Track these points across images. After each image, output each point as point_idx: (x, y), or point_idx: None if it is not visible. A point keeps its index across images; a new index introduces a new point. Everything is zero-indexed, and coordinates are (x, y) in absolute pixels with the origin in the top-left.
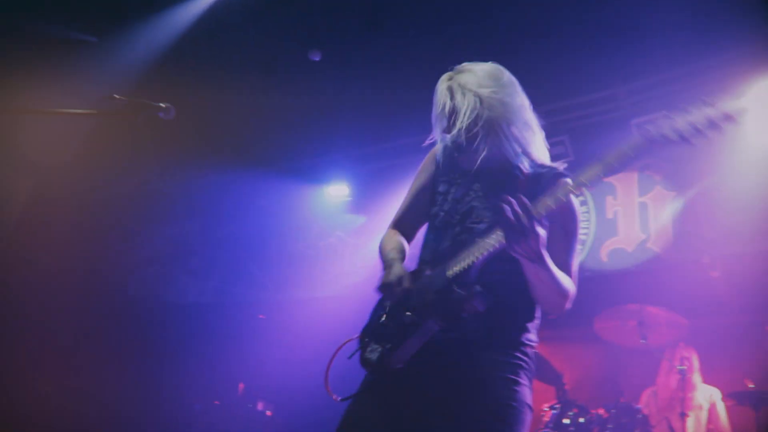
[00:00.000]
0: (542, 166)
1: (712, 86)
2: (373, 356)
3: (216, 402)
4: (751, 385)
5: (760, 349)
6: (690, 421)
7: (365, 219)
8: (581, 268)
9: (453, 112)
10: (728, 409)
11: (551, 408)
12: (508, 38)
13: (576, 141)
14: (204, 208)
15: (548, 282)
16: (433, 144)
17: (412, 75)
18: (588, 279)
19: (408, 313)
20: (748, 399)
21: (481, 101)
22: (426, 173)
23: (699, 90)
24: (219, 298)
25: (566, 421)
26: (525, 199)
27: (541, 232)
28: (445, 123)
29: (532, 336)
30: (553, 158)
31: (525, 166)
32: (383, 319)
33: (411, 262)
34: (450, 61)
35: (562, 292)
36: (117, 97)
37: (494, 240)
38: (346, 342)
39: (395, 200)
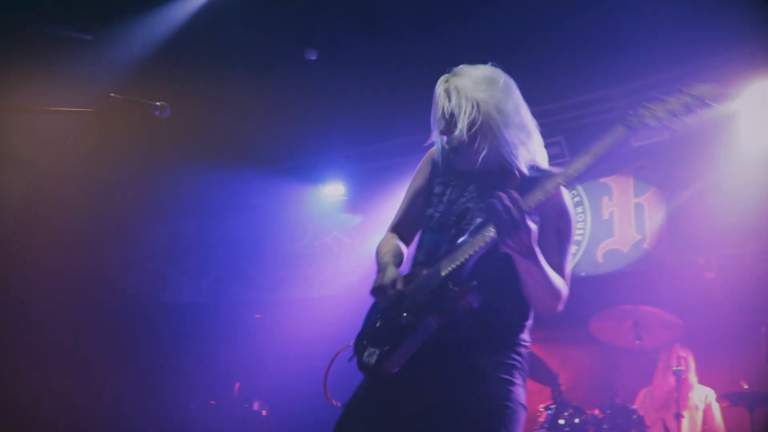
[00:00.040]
0: (539, 169)
1: None
2: (371, 360)
3: (212, 402)
4: (746, 386)
5: (755, 350)
6: (685, 422)
7: (361, 218)
8: (576, 268)
9: (450, 116)
10: (723, 410)
11: (547, 408)
12: (504, 39)
13: (572, 141)
14: (199, 208)
15: (540, 280)
16: (431, 145)
17: (408, 74)
18: (583, 279)
19: (404, 315)
20: (742, 400)
21: (477, 105)
22: (423, 175)
23: None
24: (214, 298)
25: (561, 421)
26: (515, 193)
27: (533, 226)
28: (442, 125)
29: (525, 336)
30: (550, 158)
31: (521, 168)
32: (379, 323)
33: (409, 264)
34: (446, 60)
35: (554, 292)
36: (112, 95)
37: (487, 235)
38: (342, 349)
39: (391, 200)
